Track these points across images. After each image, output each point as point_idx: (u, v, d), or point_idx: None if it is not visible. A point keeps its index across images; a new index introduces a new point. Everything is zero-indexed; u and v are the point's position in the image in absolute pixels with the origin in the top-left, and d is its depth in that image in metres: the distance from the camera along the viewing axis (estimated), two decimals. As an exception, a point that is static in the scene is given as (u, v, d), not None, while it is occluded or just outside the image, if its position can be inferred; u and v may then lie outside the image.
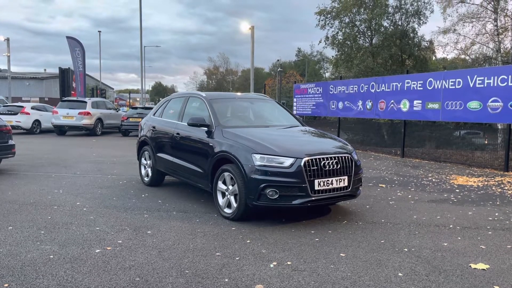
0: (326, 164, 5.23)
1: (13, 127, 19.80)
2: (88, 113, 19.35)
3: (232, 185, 5.40)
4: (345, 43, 26.88)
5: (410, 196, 7.11)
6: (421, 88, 11.95)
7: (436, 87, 11.49)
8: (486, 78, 10.19)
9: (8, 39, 26.86)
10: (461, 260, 4.20)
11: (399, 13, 26.51)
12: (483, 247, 4.60)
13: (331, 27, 26.99)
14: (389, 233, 5.06)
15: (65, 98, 20.68)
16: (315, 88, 16.65)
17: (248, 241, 4.66)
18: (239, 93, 7.49)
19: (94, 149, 13.91)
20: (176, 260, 4.05)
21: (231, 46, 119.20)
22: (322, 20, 26.99)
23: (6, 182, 7.83)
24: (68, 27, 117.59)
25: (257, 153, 5.19)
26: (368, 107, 13.95)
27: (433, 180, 8.77)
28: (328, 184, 5.24)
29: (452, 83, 11.05)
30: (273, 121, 6.76)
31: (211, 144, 5.82)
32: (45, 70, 64.77)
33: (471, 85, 10.50)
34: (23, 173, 8.90)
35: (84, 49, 24.09)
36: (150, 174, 7.54)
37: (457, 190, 7.70)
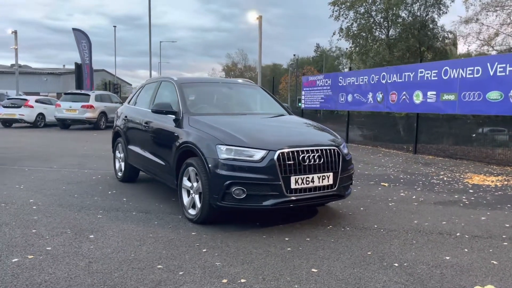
0: (305, 158, 4.37)
1: (17, 120, 19.53)
2: (91, 107, 18.79)
3: (197, 182, 4.59)
4: (360, 35, 25.69)
5: (414, 197, 6.17)
6: (436, 78, 10.89)
7: (452, 76, 10.42)
8: (508, 65, 9.09)
9: (15, 32, 26.64)
10: (465, 280, 3.30)
11: (418, 3, 25.16)
12: (495, 262, 3.68)
13: (345, 18, 25.84)
14: (379, 242, 4.17)
15: (69, 91, 20.20)
16: (323, 80, 15.69)
17: (204, 250, 3.85)
18: (220, 78, 6.65)
19: (89, 143, 13.30)
20: (103, 275, 3.26)
21: (248, 43, 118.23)
22: (336, 11, 25.86)
23: (-29, 176, 7.20)
24: (86, 25, 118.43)
25: (222, 144, 4.36)
26: (378, 99, 12.94)
27: (444, 179, 7.77)
28: (308, 182, 4.38)
29: (470, 72, 9.97)
30: (254, 109, 5.91)
31: (177, 134, 5.02)
32: (64, 66, 65.21)
33: (491, 73, 9.42)
34: (-3, 166, 8.29)
35: (91, 41, 23.69)
36: (123, 168, 6.80)
37: (471, 191, 6.71)
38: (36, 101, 20.32)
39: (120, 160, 6.95)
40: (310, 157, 4.40)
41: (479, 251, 3.98)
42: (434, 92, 10.94)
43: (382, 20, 25.82)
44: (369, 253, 3.86)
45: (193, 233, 4.32)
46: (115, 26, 43.17)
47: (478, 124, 12.33)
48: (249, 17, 21.77)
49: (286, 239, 4.21)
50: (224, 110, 5.52)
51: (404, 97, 11.92)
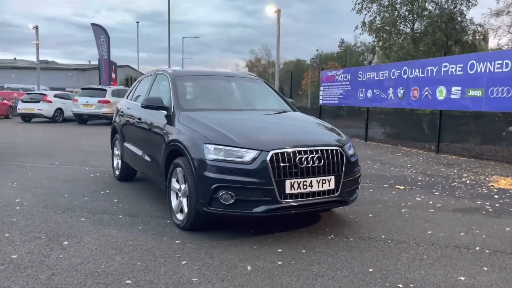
0: (303, 159, 3.89)
1: (35, 115, 19.64)
2: (108, 102, 18.67)
3: (185, 184, 4.18)
4: (384, 29, 24.77)
5: (431, 203, 5.60)
6: (461, 73, 10.17)
7: (479, 71, 9.70)
8: (540, 58, 8.34)
9: (37, 27, 26.91)
10: (481, 308, 2.78)
11: (446, -5, 24.09)
12: (519, 286, 3.14)
13: (368, 11, 24.95)
14: (385, 256, 3.67)
15: (86, 86, 20.17)
16: (342, 75, 15.07)
17: (184, 263, 3.43)
18: (220, 70, 6.22)
19: (100, 138, 13.11)
20: (62, 290, 2.89)
21: (272, 39, 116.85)
22: (358, 4, 25.01)
23: (-32, 172, 7.01)
24: (112, 21, 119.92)
25: (210, 143, 3.93)
26: (399, 95, 12.26)
27: (467, 182, 7.14)
28: (305, 187, 3.91)
29: (499, 66, 9.23)
30: (254, 104, 5.45)
31: (166, 131, 4.62)
32: (89, 62, 66.12)
33: (522, 67, 8.67)
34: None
35: (109, 36, 23.64)
36: (120, 167, 6.46)
37: (496, 196, 6.08)
38: (55, 96, 20.38)
39: (117, 158, 6.62)
40: (309, 158, 3.92)
41: (501, 270, 3.43)
42: (459, 88, 10.23)
43: (407, 13, 24.84)
44: (371, 270, 3.37)
45: (177, 242, 3.91)
46: (137, 22, 43.18)
47: (508, 122, 11.50)
48: (267, 10, 21.16)
49: (279, 250, 3.75)
50: (220, 105, 5.07)
51: (426, 93, 11.23)
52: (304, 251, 3.75)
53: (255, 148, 3.84)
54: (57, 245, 3.74)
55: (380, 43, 25.05)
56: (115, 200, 5.37)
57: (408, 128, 13.47)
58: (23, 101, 19.94)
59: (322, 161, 4.00)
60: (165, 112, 4.80)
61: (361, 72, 14.07)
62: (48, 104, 19.65)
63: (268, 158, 3.79)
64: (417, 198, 5.82)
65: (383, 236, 4.19)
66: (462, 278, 3.25)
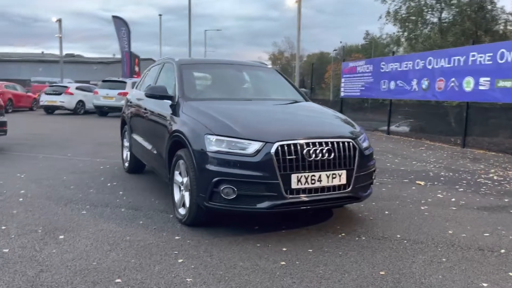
0: (311, 152, 3.61)
1: (58, 107, 19.85)
2: (128, 94, 18.68)
3: (187, 177, 3.96)
4: (409, 19, 23.96)
5: (453, 200, 5.22)
6: (490, 62, 9.63)
7: (509, 60, 9.14)
8: None
9: (60, 20, 27.23)
10: (505, 321, 2.46)
11: (476, -17, 23.05)
12: (549, 295, 2.80)
13: (393, 1, 24.15)
14: (399, 258, 3.37)
15: (107, 79, 20.26)
16: (364, 66, 14.59)
17: (180, 261, 3.22)
18: (229, 59, 5.97)
19: (117, 130, 13.05)
20: (46, 289, 2.71)
21: (295, 31, 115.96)
22: (383, -7, 24.21)
23: (-19, 162, 7.00)
24: (137, 15, 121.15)
25: (211, 134, 3.69)
26: (423, 86, 11.75)
27: (494, 178, 6.69)
28: (313, 181, 3.63)
29: (531, 55, 8.67)
30: (264, 94, 5.18)
31: (170, 122, 4.41)
32: (114, 55, 66.92)
33: (557, 56, 8.11)
34: (14, 153, 8.10)
35: (130, 29, 23.70)
36: (129, 158, 6.31)
37: (525, 193, 5.65)
38: (77, 88, 20.55)
39: (126, 150, 6.48)
40: (318, 151, 3.64)
41: (529, 276, 3.09)
42: (488, 79, 9.68)
43: (434, 2, 23.91)
44: (382, 273, 3.08)
45: (176, 238, 3.71)
46: (160, 15, 43.28)
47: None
48: (288, 1, 20.71)
49: (284, 249, 3.50)
50: (228, 95, 4.82)
51: (452, 84, 10.71)
52: (311, 250, 3.49)
53: (259, 140, 3.58)
54: (52, 240, 3.59)
55: (406, 33, 24.25)
56: (121, 192, 5.21)
57: (432, 121, 12.94)
58: (46, 94, 20.19)
59: (333, 154, 3.71)
60: (169, 101, 4.59)
61: (383, 63, 13.58)
62: (70, 96, 19.82)
63: (273, 151, 3.53)
64: (439, 195, 5.45)
65: (398, 236, 3.88)
66: (485, 285, 2.93)
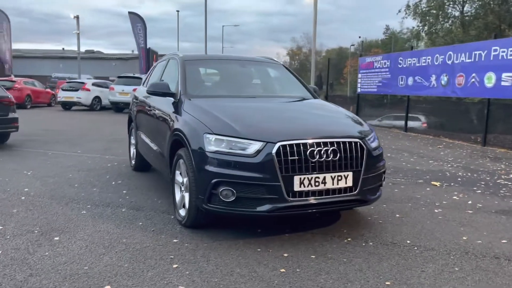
0: (315, 153, 3.42)
1: (75, 103, 20.03)
2: (141, 90, 18.70)
3: (187, 178, 3.82)
4: (430, 12, 23.36)
5: (470, 202, 4.96)
6: (513, 57, 9.21)
7: (533, 55, 8.73)
8: None
9: (77, 17, 27.49)
10: None
11: (499, -25, 22.31)
12: None
13: (413, -6, 23.57)
14: (407, 266, 3.16)
15: (122, 75, 20.32)
16: (382, 62, 14.23)
17: (175, 266, 3.08)
18: (235, 54, 5.79)
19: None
20: (32, 295, 2.61)
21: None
22: (403, -13, 23.64)
23: (-9, 159, 7.01)
24: (156, 12, 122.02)
25: (211, 133, 3.54)
26: (442, 82, 11.37)
27: (515, 178, 6.38)
28: (317, 183, 3.45)
29: (557, 49, 8.25)
30: (270, 91, 5.00)
31: (171, 120, 4.28)
32: (132, 51, 67.45)
33: None
34: (25, 149, 8.12)
35: (146, 24, 23.71)
36: (135, 156, 6.22)
37: (548, 196, 5.34)
38: (93, 84, 20.69)
39: (133, 147, 6.38)
40: (322, 151, 3.45)
41: (549, 290, 2.85)
42: (511, 74, 9.27)
43: (456, -5, 23.28)
44: (388, 283, 2.88)
45: (174, 241, 3.57)
46: (178, 11, 43.28)
47: None
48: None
49: (285, 255, 3.32)
50: (232, 92, 4.66)
51: (473, 79, 10.31)
52: (313, 256, 3.31)
53: (259, 140, 3.41)
54: (46, 241, 3.49)
55: (426, 27, 23.66)
56: (124, 191, 5.11)
57: (452, 118, 12.52)
58: (63, 90, 20.40)
59: (338, 154, 3.51)
60: (172, 99, 4.45)
61: (401, 58, 13.20)
62: (86, 92, 19.97)
63: (274, 151, 3.35)
64: (455, 197, 5.19)
65: (408, 241, 3.66)
66: (499, 299, 2.70)
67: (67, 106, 20.67)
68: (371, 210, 4.54)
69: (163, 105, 4.63)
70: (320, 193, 3.48)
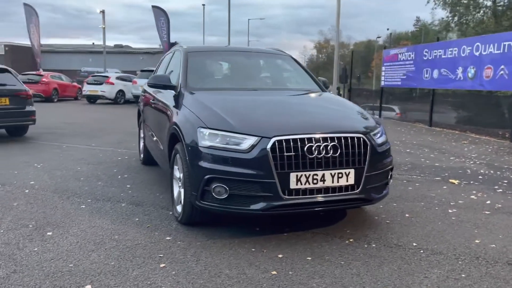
0: (313, 148, 3.23)
1: (99, 96, 20.31)
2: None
3: (183, 173, 3.69)
4: (460, 2, 22.46)
5: (488, 202, 4.65)
6: (545, 48, 8.68)
7: None
8: None
9: (103, 12, 27.88)
10: None
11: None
12: None
13: (443, -17, 22.70)
14: (410, 271, 2.94)
15: (145, 69, 20.45)
16: (406, 54, 13.75)
17: (162, 265, 2.96)
18: (242, 46, 5.62)
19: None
20: (10, 293, 2.54)
21: (342, 19, 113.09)
22: (432, -25, 22.83)
23: (2, 151, 7.10)
24: (184, 6, 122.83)
25: (205, 128, 3.39)
26: (469, 75, 10.86)
27: (542, 177, 5.97)
28: (315, 181, 3.26)
29: None
30: (276, 83, 4.81)
31: (170, 113, 4.16)
32: (159, 46, 68.11)
33: None
34: (41, 142, 8.21)
35: (169, 18, 23.78)
36: (143, 150, 6.16)
37: None
38: (117, 78, 20.91)
39: (142, 140, 6.32)
40: (321, 147, 3.25)
41: None
42: (542, 66, 8.75)
43: (488, -16, 22.30)
44: (386, 290, 2.68)
45: (167, 238, 3.46)
46: (203, 5, 43.23)
47: None
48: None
49: (280, 256, 3.16)
50: (234, 84, 4.50)
51: (501, 72, 9.80)
52: (309, 258, 3.13)
53: (254, 134, 3.24)
54: (39, 236, 3.44)
55: (456, 18, 22.78)
56: (128, 186, 5.04)
57: (479, 112, 11.99)
58: (88, 83, 20.71)
59: (339, 150, 3.30)
60: (173, 92, 4.33)
61: (426, 50, 12.71)
62: (110, 86, 20.21)
63: (269, 146, 3.18)
64: (472, 196, 4.88)
65: (414, 244, 3.43)
66: (507, 311, 2.46)
67: (92, 99, 20.98)
68: (380, 209, 4.31)
69: (165, 98, 4.52)
70: (318, 191, 3.29)
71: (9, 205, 4.21)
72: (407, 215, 4.16)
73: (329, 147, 3.27)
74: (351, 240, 3.49)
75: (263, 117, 3.53)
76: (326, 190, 3.31)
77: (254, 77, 4.77)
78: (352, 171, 3.36)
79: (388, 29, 51.55)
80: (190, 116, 3.63)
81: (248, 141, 3.23)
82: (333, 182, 3.30)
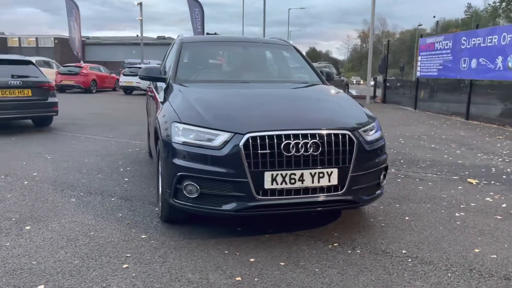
0: (291, 146, 3.00)
1: (134, 88, 20.70)
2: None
3: (164, 169, 3.56)
4: (509, -14, 21.01)
5: (504, 206, 4.22)
6: None
7: None
8: None
9: (141, 4, 28.32)
10: None
11: None
12: None
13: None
14: (389, 283, 2.66)
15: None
16: (443, 42, 13.00)
17: (125, 266, 2.85)
18: (242, 36, 5.40)
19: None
20: (-37, 290, 2.51)
21: (388, 8, 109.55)
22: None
23: (22, 141, 7.28)
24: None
25: (179, 122, 3.23)
26: (510, 65, 10.09)
27: None
28: (293, 181, 3.03)
29: None
30: (271, 75, 4.56)
31: (157, 106, 4.04)
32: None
33: None
34: (62, 133, 8.40)
35: (204, 9, 23.78)
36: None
37: None
38: (152, 69, 21.17)
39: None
40: (300, 145, 3.01)
41: (562, 328, 2.23)
42: None
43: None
44: (354, 304, 2.43)
45: (142, 236, 3.35)
46: (242, -4, 43.03)
47: None
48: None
49: (252, 260, 2.96)
50: (225, 77, 4.31)
51: (544, 61, 9.01)
52: (283, 263, 2.91)
53: (227, 130, 3.05)
54: (16, 230, 3.43)
55: (504, 3, 21.34)
56: (126, 179, 5.00)
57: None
58: (124, 75, 21.14)
59: (320, 148, 3.05)
60: (164, 84, 4.21)
61: (464, 38, 11.93)
62: (145, 77, 20.48)
63: (241, 143, 2.97)
64: (488, 198, 4.46)
65: (404, 251, 3.13)
66: (486, 336, 2.15)
67: (128, 90, 21.43)
68: (379, 210, 4.01)
69: (157, 90, 4.42)
70: (297, 191, 3.06)
71: (2, 197, 4.26)
72: (406, 218, 3.84)
73: (308, 145, 3.03)
74: (335, 244, 3.24)
75: (241, 111, 3.32)
76: (306, 190, 3.07)
77: (248, 69, 4.55)
78: (335, 170, 3.10)
79: (434, 17, 49.10)
80: (168, 110, 3.48)
81: (220, 137, 3.04)
82: (313, 182, 3.06)
